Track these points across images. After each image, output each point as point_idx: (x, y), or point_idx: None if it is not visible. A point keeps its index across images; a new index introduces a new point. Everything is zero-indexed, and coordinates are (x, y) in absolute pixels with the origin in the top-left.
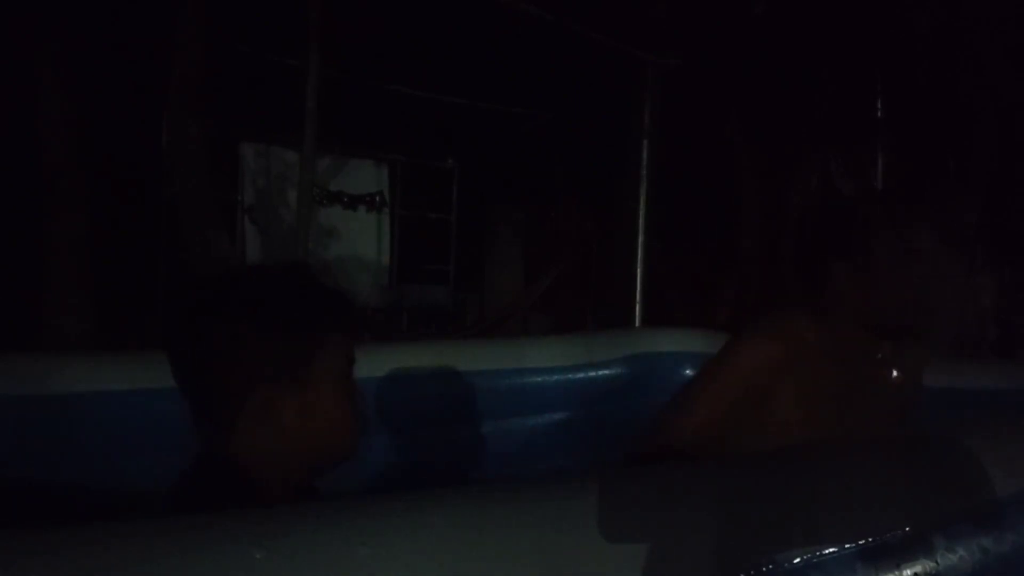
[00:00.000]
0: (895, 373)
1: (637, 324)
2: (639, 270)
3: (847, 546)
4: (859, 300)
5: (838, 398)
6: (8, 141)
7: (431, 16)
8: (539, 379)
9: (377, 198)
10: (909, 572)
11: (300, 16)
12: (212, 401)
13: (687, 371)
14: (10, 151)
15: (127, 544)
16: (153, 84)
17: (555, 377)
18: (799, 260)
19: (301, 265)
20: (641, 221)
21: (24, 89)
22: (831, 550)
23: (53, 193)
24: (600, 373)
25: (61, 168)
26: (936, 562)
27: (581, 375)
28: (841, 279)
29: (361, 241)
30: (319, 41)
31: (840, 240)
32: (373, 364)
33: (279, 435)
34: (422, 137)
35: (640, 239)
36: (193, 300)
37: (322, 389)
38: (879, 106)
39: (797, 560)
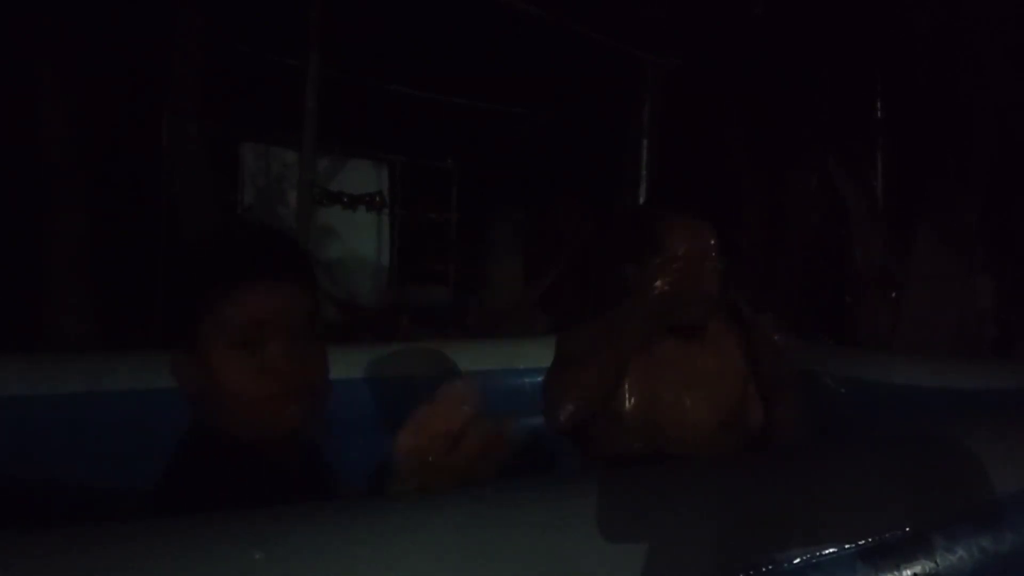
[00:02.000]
0: (720, 343)
1: None
2: None
3: (847, 546)
4: (644, 301)
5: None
6: (8, 141)
7: (431, 16)
8: (539, 379)
9: (377, 198)
10: (909, 572)
11: (300, 16)
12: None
13: None
14: (10, 151)
15: (128, 544)
16: (153, 84)
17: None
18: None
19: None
20: None
21: (24, 89)
22: (831, 550)
23: (53, 193)
24: None
25: (61, 168)
26: (935, 562)
27: None
28: (634, 281)
29: (361, 241)
30: (319, 41)
31: (631, 248)
32: (373, 364)
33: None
34: (422, 137)
35: None
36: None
37: (219, 348)
38: (879, 106)
39: (797, 560)
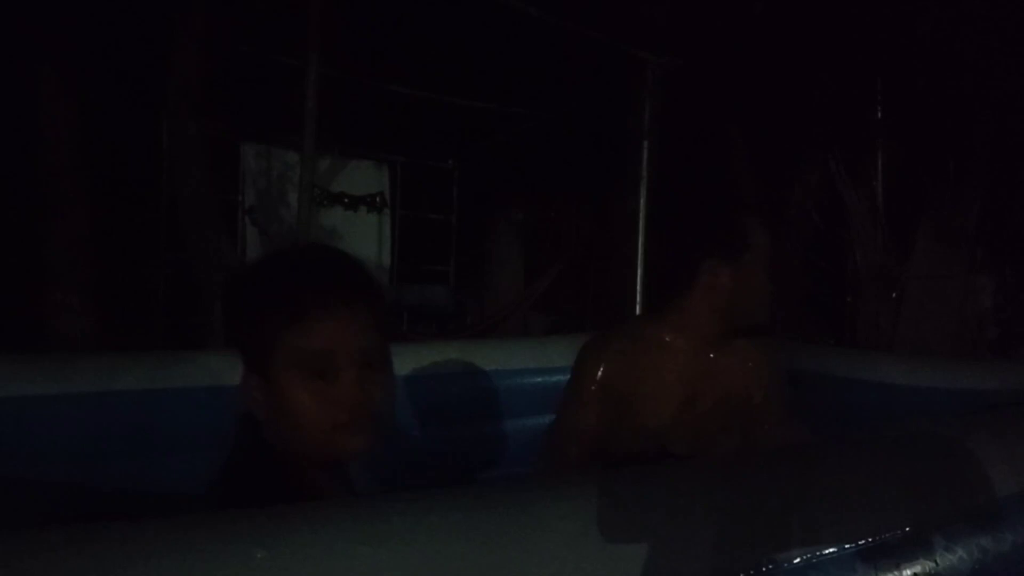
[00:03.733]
0: (749, 364)
1: None
2: (639, 270)
3: (847, 546)
4: (721, 299)
5: (689, 391)
6: (9, 141)
7: (431, 16)
8: (539, 379)
9: (378, 199)
10: (908, 572)
11: (300, 16)
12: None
13: None
14: (11, 151)
15: (130, 544)
16: (153, 85)
17: (555, 377)
18: (668, 258)
19: (313, 247)
20: (641, 221)
21: (25, 89)
22: (831, 550)
23: (54, 193)
24: None
25: (62, 168)
26: (935, 562)
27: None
28: (708, 278)
29: (362, 241)
30: (319, 41)
31: (713, 241)
32: None
33: (288, 419)
34: (422, 137)
35: (640, 239)
36: (231, 281)
37: (291, 377)
38: (879, 106)
39: (797, 560)
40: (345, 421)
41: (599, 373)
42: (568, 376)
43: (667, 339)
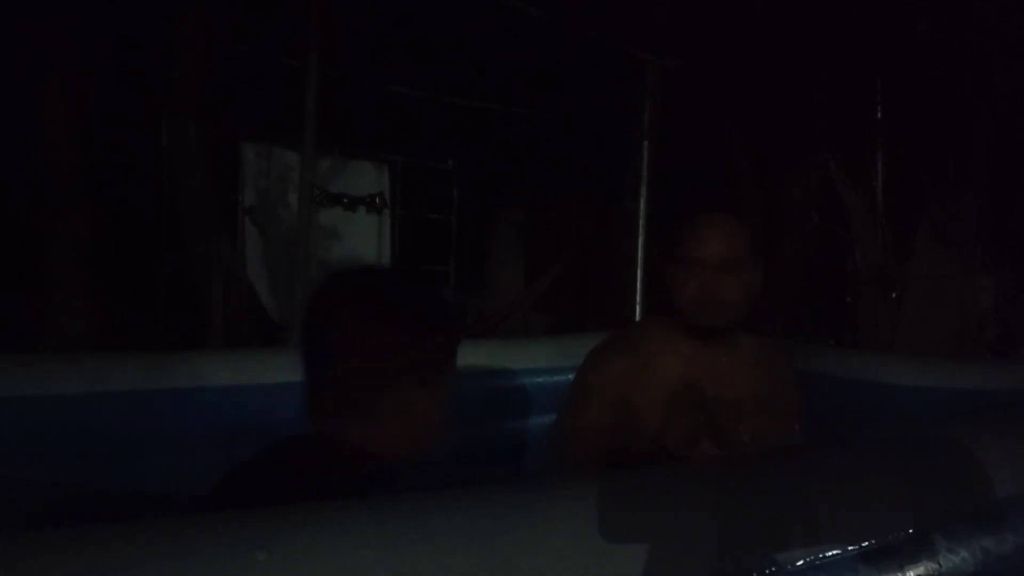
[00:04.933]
0: (756, 366)
1: None
2: (639, 270)
3: (849, 548)
4: (673, 301)
5: (694, 393)
6: (9, 142)
7: (431, 16)
8: (538, 379)
9: (377, 199)
10: (911, 574)
11: (300, 16)
12: (342, 390)
13: None
14: (11, 152)
15: (130, 545)
16: (153, 85)
17: (555, 377)
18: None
19: (421, 273)
20: (641, 221)
21: (25, 90)
22: (833, 552)
23: (54, 194)
24: None
25: (62, 169)
26: (938, 563)
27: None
28: (666, 281)
29: (361, 242)
30: (319, 42)
31: (665, 248)
32: None
33: (394, 429)
34: (422, 138)
35: (640, 239)
36: (337, 294)
37: (440, 392)
38: (879, 106)
39: (799, 562)
40: (439, 426)
41: (606, 374)
42: (569, 376)
43: (670, 340)
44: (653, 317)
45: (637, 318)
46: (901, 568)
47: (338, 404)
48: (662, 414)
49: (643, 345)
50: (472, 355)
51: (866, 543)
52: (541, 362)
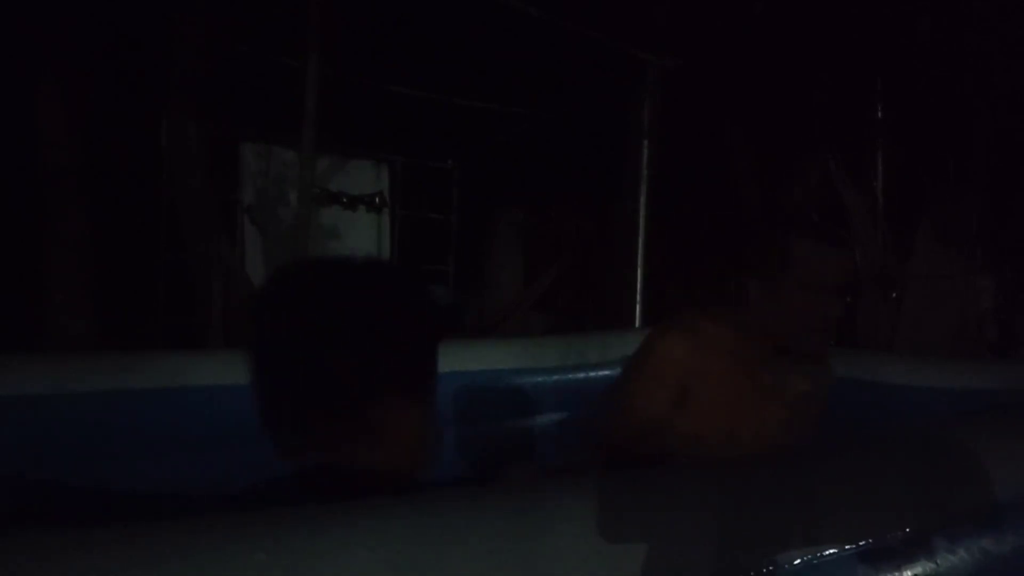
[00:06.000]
0: (798, 385)
1: (637, 324)
2: (639, 270)
3: (847, 547)
4: (768, 317)
5: (740, 401)
6: (8, 141)
7: (431, 16)
8: (538, 379)
9: (377, 199)
10: (909, 574)
11: (300, 16)
12: (307, 418)
13: None
14: (11, 151)
15: (129, 546)
16: (153, 85)
17: (554, 378)
18: (717, 272)
19: (393, 267)
20: (641, 221)
21: (25, 90)
22: (831, 551)
23: (54, 194)
24: (599, 374)
25: (62, 169)
26: (936, 563)
27: (580, 376)
28: (755, 296)
29: (361, 241)
30: (319, 42)
31: (758, 261)
32: None
33: (382, 453)
34: (422, 137)
35: (640, 239)
36: (280, 297)
37: (427, 404)
38: (879, 106)
39: (797, 561)
40: (436, 434)
41: (668, 358)
42: (568, 376)
43: (728, 340)
44: (720, 311)
45: (637, 318)
46: (899, 568)
47: (308, 436)
48: (716, 412)
49: (704, 335)
50: (472, 355)
51: (864, 543)
52: (541, 362)
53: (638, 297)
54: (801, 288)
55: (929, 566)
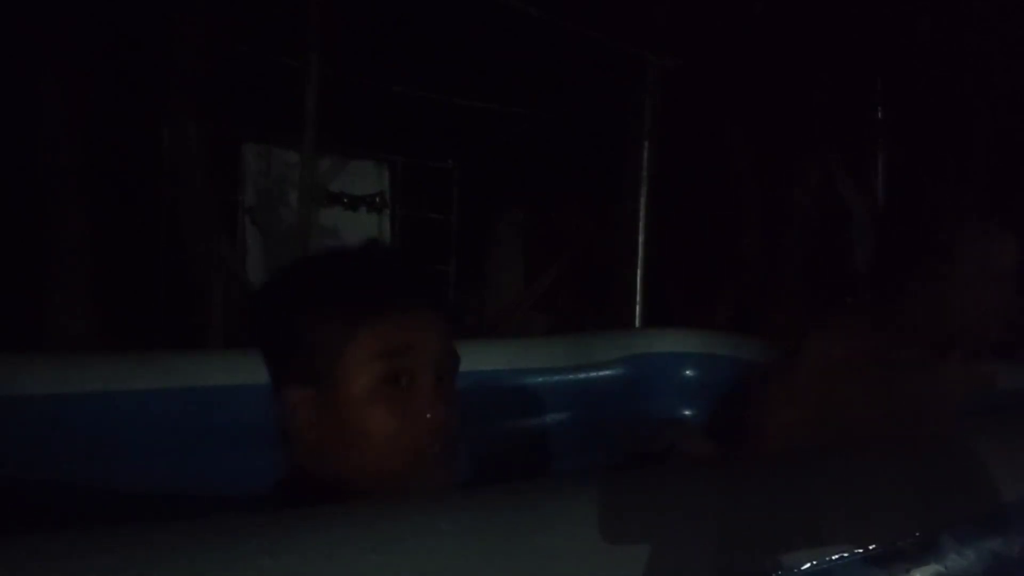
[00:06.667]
0: (957, 388)
1: (637, 324)
2: (639, 270)
3: (856, 550)
4: (935, 316)
5: (889, 405)
6: (9, 142)
7: (431, 16)
8: (538, 380)
9: (378, 199)
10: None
11: (300, 16)
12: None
13: (687, 372)
14: (11, 152)
15: (129, 547)
16: (153, 84)
17: (555, 378)
18: (874, 268)
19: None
20: (641, 221)
21: (25, 90)
22: (839, 554)
23: (54, 194)
24: (600, 374)
25: (62, 169)
26: (945, 566)
27: (581, 376)
28: (919, 293)
29: None
30: (319, 42)
31: (923, 255)
32: None
33: (373, 444)
34: (422, 137)
35: (640, 239)
36: (273, 291)
37: (421, 393)
38: (879, 106)
39: (805, 565)
40: (423, 429)
41: (822, 361)
42: (568, 376)
43: (886, 341)
44: (867, 308)
45: (637, 318)
46: (908, 571)
47: (316, 440)
48: (860, 418)
49: (861, 337)
50: (472, 355)
51: (872, 546)
52: (541, 362)
53: (638, 297)
54: (971, 277)
55: (938, 568)
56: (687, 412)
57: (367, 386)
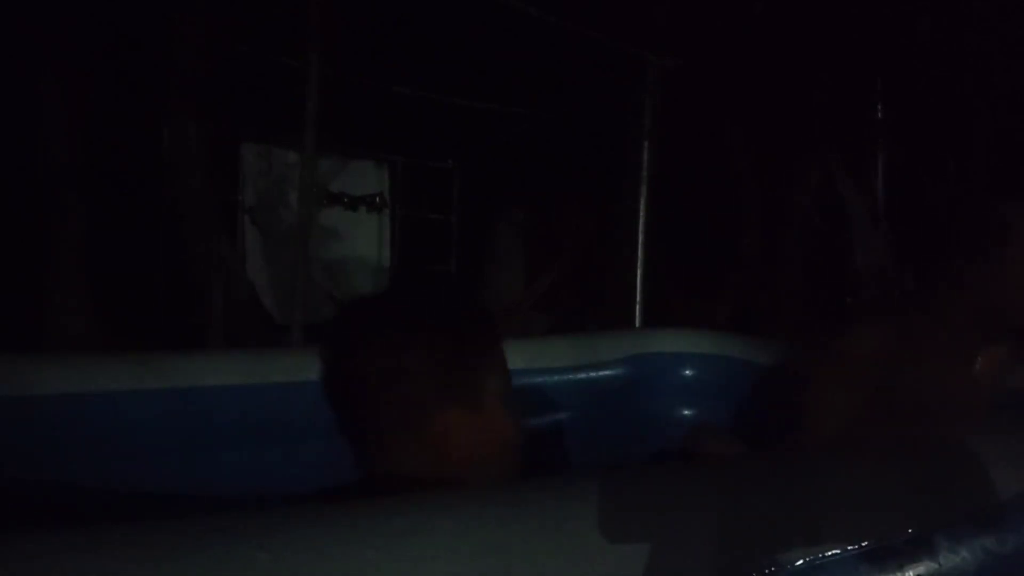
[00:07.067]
0: (993, 373)
1: (637, 324)
2: (639, 270)
3: (850, 548)
4: (986, 299)
5: (932, 391)
6: (9, 142)
7: (431, 16)
8: (539, 380)
9: (378, 199)
10: (912, 574)
11: (300, 16)
12: (376, 425)
13: (688, 371)
14: (11, 152)
15: (129, 547)
16: (153, 84)
17: (555, 378)
18: (922, 255)
19: (448, 280)
20: (641, 221)
21: (25, 90)
22: (834, 552)
23: (54, 194)
24: (600, 374)
25: (62, 169)
26: (939, 563)
27: (581, 376)
28: (970, 277)
29: (362, 242)
30: (319, 42)
31: (975, 239)
32: None
33: (448, 458)
34: (422, 137)
35: (640, 239)
36: (355, 324)
37: (489, 409)
38: (879, 106)
39: (799, 562)
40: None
41: (868, 350)
42: (568, 376)
43: (930, 329)
44: (910, 296)
45: (637, 318)
46: (902, 568)
47: (380, 450)
48: (910, 407)
49: (904, 325)
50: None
51: (867, 543)
52: (541, 362)
53: (638, 297)
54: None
55: (932, 566)
56: (687, 412)
57: (496, 402)
